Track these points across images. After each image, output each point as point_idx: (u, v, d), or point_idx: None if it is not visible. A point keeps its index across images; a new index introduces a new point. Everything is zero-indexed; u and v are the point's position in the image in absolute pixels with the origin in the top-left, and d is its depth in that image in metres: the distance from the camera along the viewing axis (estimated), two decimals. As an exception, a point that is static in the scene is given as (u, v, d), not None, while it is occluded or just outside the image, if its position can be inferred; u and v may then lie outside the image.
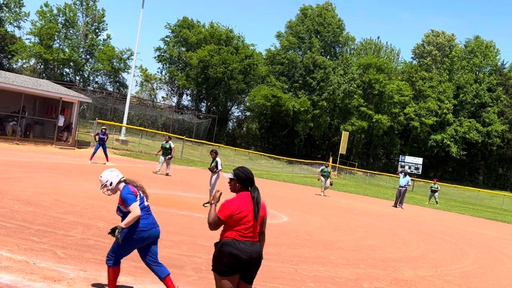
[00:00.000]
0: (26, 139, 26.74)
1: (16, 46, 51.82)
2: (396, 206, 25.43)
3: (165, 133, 39.88)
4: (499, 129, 65.31)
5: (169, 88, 66.86)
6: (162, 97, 68.37)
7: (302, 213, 16.28)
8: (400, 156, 62.28)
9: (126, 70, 59.31)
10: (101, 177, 5.76)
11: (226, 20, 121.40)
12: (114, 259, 5.52)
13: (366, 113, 62.83)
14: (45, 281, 5.71)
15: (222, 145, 51.01)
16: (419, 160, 58.85)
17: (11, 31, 55.05)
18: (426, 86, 67.15)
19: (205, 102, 65.82)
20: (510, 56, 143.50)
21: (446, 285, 8.79)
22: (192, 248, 8.56)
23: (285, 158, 55.45)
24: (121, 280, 6.14)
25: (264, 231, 4.83)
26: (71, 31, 56.48)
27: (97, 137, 23.40)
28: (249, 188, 4.70)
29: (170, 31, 63.10)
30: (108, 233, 5.65)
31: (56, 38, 54.81)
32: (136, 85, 66.36)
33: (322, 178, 25.72)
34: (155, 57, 63.98)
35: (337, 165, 55.97)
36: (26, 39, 55.60)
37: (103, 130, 23.37)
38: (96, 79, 61.07)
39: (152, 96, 66.54)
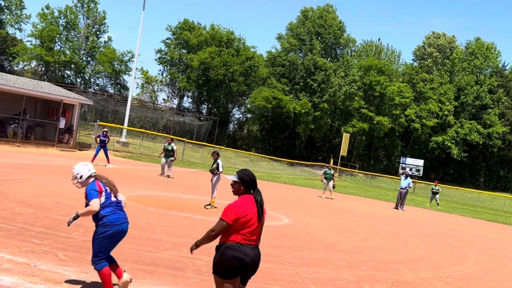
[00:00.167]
0: (27, 141, 26.77)
1: (17, 48, 51.91)
2: (397, 208, 25.42)
3: (166, 135, 39.90)
4: (500, 130, 65.26)
5: (170, 90, 66.96)
6: (163, 99, 68.60)
7: (303, 215, 16.28)
8: (401, 158, 62.25)
9: (127, 72, 59.41)
10: (73, 168, 5.83)
11: (227, 22, 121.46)
12: (103, 260, 5.57)
13: (367, 115, 62.85)
14: (46, 283, 5.71)
15: (223, 147, 51.01)
16: (420, 162, 58.83)
17: (12, 34, 55.21)
18: (427, 88, 67.15)
19: (206, 104, 65.85)
20: (511, 57, 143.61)
21: (447, 287, 8.78)
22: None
23: (286, 160, 55.45)
24: (122, 282, 6.14)
25: (260, 234, 4.81)
26: (72, 33, 56.58)
27: (98, 139, 23.44)
28: (252, 191, 4.69)
29: (171, 33, 63.22)
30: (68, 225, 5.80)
31: (57, 40, 54.91)
32: (137, 87, 66.42)
33: (324, 180, 25.75)
34: (156, 59, 64.22)
35: (338, 167, 55.91)
36: (27, 41, 55.78)
37: (104, 132, 23.40)
38: (97, 81, 61.21)
39: (153, 98, 66.63)
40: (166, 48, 63.32)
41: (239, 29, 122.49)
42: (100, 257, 5.57)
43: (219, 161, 14.49)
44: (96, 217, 5.57)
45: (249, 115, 68.88)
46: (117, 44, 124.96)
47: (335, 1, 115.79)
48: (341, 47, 65.50)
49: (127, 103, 38.59)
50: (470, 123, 65.96)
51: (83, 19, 57.62)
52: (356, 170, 61.54)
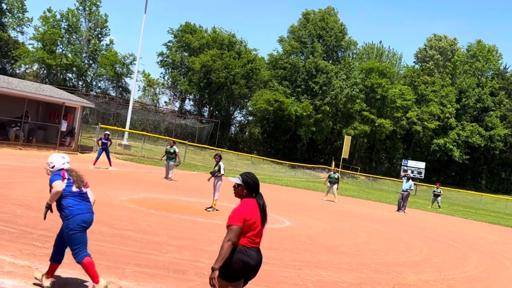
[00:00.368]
0: (29, 144, 26.80)
1: (19, 51, 51.99)
2: (399, 211, 25.40)
3: (168, 138, 39.94)
4: (501, 133, 65.19)
5: (172, 93, 67.00)
6: (165, 102, 68.53)
7: (304, 217, 16.28)
8: (403, 160, 62.17)
9: (128, 75, 59.41)
10: (50, 157, 5.96)
11: (228, 25, 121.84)
12: (82, 250, 5.63)
13: (369, 118, 62.84)
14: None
15: (224, 149, 51.01)
16: (422, 165, 58.75)
17: (14, 37, 55.26)
18: (428, 90, 67.13)
19: (208, 106, 65.88)
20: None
21: (449, 289, 8.78)
22: (195, 252, 8.55)
23: (287, 162, 55.43)
24: (123, 284, 6.15)
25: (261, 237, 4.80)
26: (74, 37, 56.67)
27: (100, 142, 23.46)
28: (255, 194, 4.69)
29: (173, 36, 63.27)
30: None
31: (59, 43, 54.98)
32: (138, 90, 66.47)
33: (328, 184, 25.79)
34: (157, 62, 64.20)
35: (340, 169, 55.85)
36: (29, 44, 55.84)
37: (106, 135, 23.41)
38: (99, 84, 61.26)
39: (155, 101, 66.69)
40: (168, 51, 63.38)
41: (240, 32, 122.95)
42: (77, 249, 5.62)
43: (221, 163, 14.51)
44: (60, 208, 5.61)
45: (250, 118, 68.88)
46: (119, 47, 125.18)
47: (336, 4, 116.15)
48: (343, 50, 65.53)
49: (128, 106, 38.62)
50: (472, 126, 65.90)
51: (85, 22, 57.71)
52: (358, 173, 61.51)
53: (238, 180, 4.69)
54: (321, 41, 62.52)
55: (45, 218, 5.65)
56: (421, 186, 55.36)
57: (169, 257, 7.93)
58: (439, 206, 33.74)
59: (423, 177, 57.82)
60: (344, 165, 59.64)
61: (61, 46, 55.81)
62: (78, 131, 29.83)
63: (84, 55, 57.55)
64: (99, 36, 58.96)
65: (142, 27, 38.34)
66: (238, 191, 4.69)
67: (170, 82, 65.10)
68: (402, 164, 60.66)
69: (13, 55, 51.93)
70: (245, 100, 65.10)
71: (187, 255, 8.28)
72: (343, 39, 63.68)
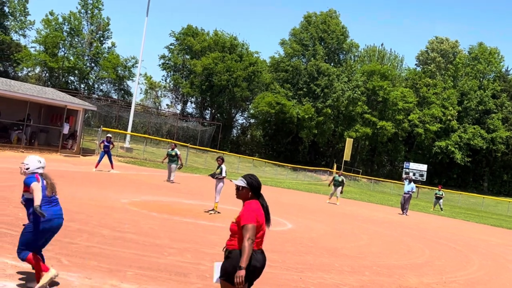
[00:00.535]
0: (31, 147, 26.84)
1: (21, 54, 52.10)
2: (403, 212, 25.40)
3: (170, 140, 39.96)
4: (503, 135, 65.11)
5: (174, 95, 67.07)
6: (167, 105, 68.59)
7: (306, 220, 16.27)
8: (405, 162, 62.12)
9: (130, 78, 59.55)
10: (27, 157, 5.93)
11: (230, 28, 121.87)
12: (28, 251, 5.62)
13: (370, 120, 62.82)
14: (50, 288, 5.73)
15: (226, 152, 51.03)
16: (424, 167, 58.70)
17: (16, 40, 55.39)
18: (430, 92, 67.09)
19: (210, 109, 65.92)
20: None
21: (451, 292, 8.76)
22: (196, 255, 8.56)
23: (289, 165, 55.43)
24: (125, 287, 6.16)
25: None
26: (76, 40, 56.77)
27: (102, 145, 23.50)
28: (257, 196, 4.70)
29: (175, 39, 63.39)
30: (23, 224, 5.84)
31: (61, 46, 55.09)
32: (140, 93, 66.58)
33: (332, 186, 25.81)
34: (159, 65, 64.30)
35: (342, 172, 55.82)
36: (31, 47, 55.97)
37: (108, 138, 23.44)
38: (101, 87, 61.31)
39: (157, 103, 66.76)
40: (170, 54, 63.49)
41: (242, 34, 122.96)
42: (24, 248, 5.63)
43: (223, 166, 14.52)
44: (29, 209, 5.62)
45: (252, 120, 68.93)
46: (121, 50, 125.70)
47: (338, 7, 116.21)
48: (344, 52, 65.57)
49: (130, 108, 38.67)
50: (474, 128, 65.84)
51: (87, 25, 57.85)
52: (360, 175, 61.45)
53: (242, 183, 4.68)
54: (322, 43, 62.55)
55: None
56: (423, 189, 55.27)
57: (171, 259, 7.93)
58: (441, 209, 33.71)
59: (425, 180, 57.77)
60: (346, 167, 59.59)
61: (63, 49, 55.93)
62: (80, 134, 29.86)
63: (86, 58, 57.66)
64: (101, 39, 59.08)
65: (144, 30, 38.43)
66: (243, 193, 4.69)
67: (172, 85, 65.18)
68: (404, 166, 60.61)
69: (15, 58, 52.04)
70: (247, 103, 65.16)
71: (189, 258, 8.28)
72: (344, 42, 63.71)
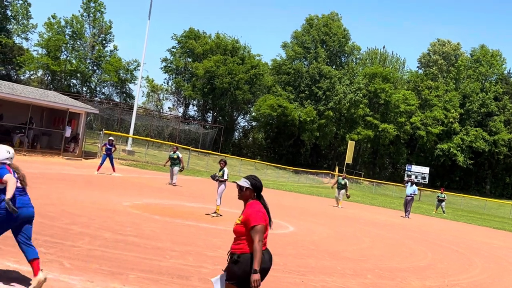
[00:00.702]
0: (33, 150, 26.87)
1: (23, 57, 52.20)
2: (405, 214, 25.39)
3: (172, 143, 39.96)
4: (506, 138, 65.02)
5: (176, 98, 67.10)
6: (169, 108, 68.62)
7: (308, 223, 16.25)
8: (407, 165, 62.02)
9: (132, 81, 59.58)
10: None
11: (232, 31, 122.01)
12: None
13: (372, 123, 62.81)
14: (52, 292, 5.73)
15: (228, 155, 51.04)
16: (426, 170, 58.59)
17: (18, 43, 55.48)
18: (432, 95, 67.05)
19: (211, 112, 65.98)
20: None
21: (453, 295, 8.74)
22: (198, 258, 8.55)
23: (291, 167, 55.41)
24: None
25: None
26: (78, 43, 56.88)
27: (104, 148, 23.53)
28: (260, 197, 4.71)
29: (177, 42, 63.50)
30: None
31: (63, 49, 55.20)
32: (142, 96, 66.65)
33: (336, 189, 25.81)
34: (161, 68, 64.36)
35: (345, 174, 55.74)
36: (34, 50, 56.03)
37: (110, 141, 23.46)
38: (103, 90, 61.38)
39: (159, 106, 66.79)
40: (172, 57, 63.58)
41: (244, 37, 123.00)
42: None
43: (225, 169, 14.53)
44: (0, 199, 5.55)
45: (254, 123, 68.95)
46: (123, 53, 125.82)
47: (340, 9, 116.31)
48: (346, 55, 65.63)
49: (132, 111, 38.71)
50: (476, 131, 65.76)
51: (89, 29, 57.93)
52: (362, 178, 61.40)
53: (246, 184, 4.70)
54: (324, 46, 62.62)
55: (15, 212, 5.44)
56: (425, 191, 55.19)
57: (172, 262, 7.93)
58: (443, 211, 33.64)
59: (427, 182, 57.66)
60: (348, 170, 59.49)
61: (65, 52, 56.03)
62: (82, 137, 29.90)
63: (88, 61, 57.75)
64: (103, 42, 59.19)
65: (146, 33, 38.52)
66: (246, 194, 4.70)
67: (174, 88, 65.25)
68: (406, 169, 60.50)
69: (18, 61, 52.15)
70: (249, 106, 65.19)
71: (190, 261, 8.28)
72: (346, 44, 63.78)
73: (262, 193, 4.80)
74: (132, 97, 58.68)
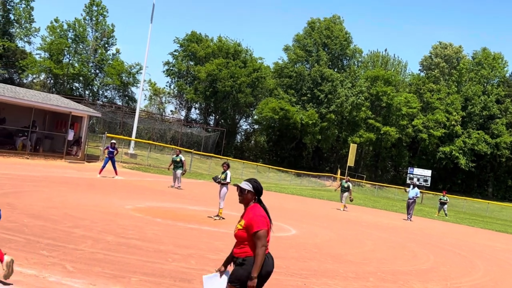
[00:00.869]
0: (36, 154, 26.93)
1: (26, 61, 52.35)
2: (407, 217, 25.38)
3: (174, 146, 40.01)
4: (508, 140, 64.96)
5: (178, 101, 67.17)
6: (171, 111, 68.71)
7: (310, 225, 16.25)
8: (409, 168, 61.90)
9: (135, 84, 59.67)
10: None
11: (234, 34, 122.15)
12: None
13: (374, 126, 62.79)
14: (55, 294, 5.74)
15: (230, 158, 51.04)
16: (428, 172, 58.49)
17: (21, 47, 55.65)
18: (434, 98, 67.02)
19: (214, 115, 66.03)
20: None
21: (456, 298, 8.73)
22: (201, 261, 8.56)
23: (293, 170, 55.39)
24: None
25: None
26: (80, 46, 57.05)
27: (106, 151, 23.57)
28: (260, 201, 4.73)
29: (179, 45, 63.56)
30: None
31: (66, 53, 55.38)
32: (145, 99, 66.65)
33: (340, 192, 25.86)
34: (163, 71, 64.45)
35: (348, 177, 55.71)
36: (36, 54, 56.22)
37: (113, 144, 23.51)
38: (105, 94, 61.53)
39: (161, 110, 66.87)
40: (174, 60, 63.65)
41: (246, 40, 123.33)
42: None
43: (228, 172, 14.53)
44: None
45: (256, 126, 68.99)
46: (125, 56, 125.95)
47: (341, 12, 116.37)
48: (348, 58, 65.67)
49: (135, 115, 38.78)
50: (478, 133, 65.69)
51: (92, 32, 58.13)
52: (364, 181, 61.35)
53: (248, 187, 4.71)
54: (326, 49, 62.68)
55: None
56: (427, 194, 55.12)
57: (175, 266, 7.93)
58: (445, 214, 33.60)
59: (429, 185, 57.55)
60: (350, 173, 59.49)
61: (68, 56, 56.21)
62: (84, 140, 29.96)
63: (90, 64, 57.90)
64: (106, 45, 59.35)
65: (149, 37, 38.60)
66: (248, 197, 4.71)
67: (176, 91, 65.30)
68: (408, 172, 60.39)
69: (21, 65, 52.30)
70: (251, 109, 65.24)
71: (193, 264, 8.29)
72: (348, 48, 63.82)
73: (264, 196, 4.81)
74: (135, 100, 58.79)
